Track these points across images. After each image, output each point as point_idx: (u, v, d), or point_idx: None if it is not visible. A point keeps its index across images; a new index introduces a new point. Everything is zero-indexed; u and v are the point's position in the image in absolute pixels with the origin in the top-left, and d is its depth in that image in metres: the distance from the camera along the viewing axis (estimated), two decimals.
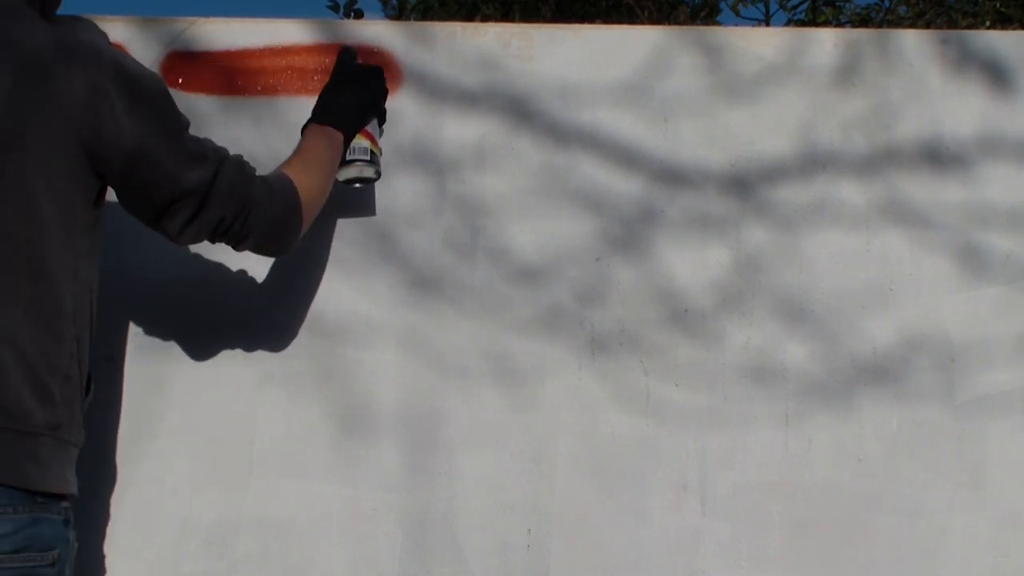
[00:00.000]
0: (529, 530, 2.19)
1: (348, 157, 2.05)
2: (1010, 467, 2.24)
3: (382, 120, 2.13)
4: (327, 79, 2.09)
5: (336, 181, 2.04)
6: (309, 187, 1.93)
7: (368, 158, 2.07)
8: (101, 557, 2.12)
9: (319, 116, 2.03)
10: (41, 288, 1.64)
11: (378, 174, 2.10)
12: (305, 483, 2.17)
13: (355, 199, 2.20)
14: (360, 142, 2.07)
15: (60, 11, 1.78)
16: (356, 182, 2.09)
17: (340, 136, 2.02)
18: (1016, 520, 2.23)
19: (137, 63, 1.78)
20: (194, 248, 2.20)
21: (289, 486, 2.17)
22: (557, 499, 2.20)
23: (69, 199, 1.67)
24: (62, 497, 1.67)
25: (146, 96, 1.73)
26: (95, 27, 1.81)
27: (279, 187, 1.88)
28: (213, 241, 1.85)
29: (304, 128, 2.03)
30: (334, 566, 2.16)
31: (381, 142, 2.12)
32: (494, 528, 2.19)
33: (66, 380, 1.67)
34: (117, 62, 1.71)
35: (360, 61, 2.13)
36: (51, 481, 1.64)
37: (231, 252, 2.19)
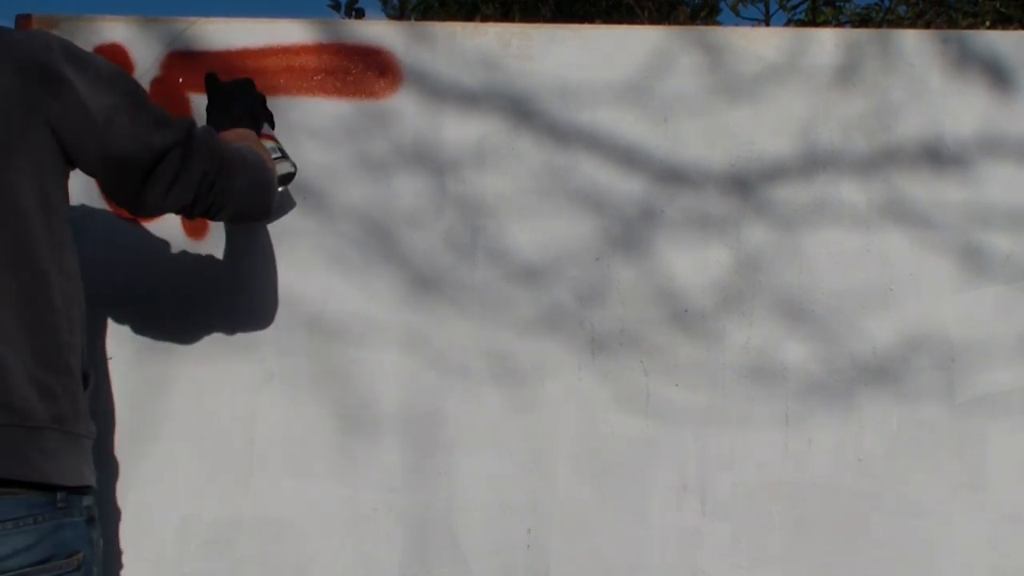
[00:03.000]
0: (529, 530, 2.19)
1: None
2: (1010, 467, 2.24)
3: (272, 123, 2.14)
4: (325, 79, 2.10)
5: None
6: (262, 152, 1.96)
7: (280, 155, 2.09)
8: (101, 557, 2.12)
9: (221, 129, 2.01)
10: (32, 283, 1.64)
11: (295, 167, 2.12)
12: (305, 483, 2.17)
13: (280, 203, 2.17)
14: (266, 143, 2.08)
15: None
16: (279, 183, 2.06)
17: (251, 132, 2.03)
18: (1016, 520, 2.23)
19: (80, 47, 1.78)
20: (195, 246, 2.20)
21: (289, 486, 2.17)
22: (557, 499, 2.20)
23: (46, 189, 1.67)
24: (82, 493, 1.68)
25: (102, 71, 1.73)
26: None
27: (244, 148, 1.89)
28: (194, 209, 1.80)
29: None
30: (334, 566, 2.16)
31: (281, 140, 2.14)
32: (494, 528, 2.19)
33: (66, 373, 1.67)
34: (65, 44, 1.72)
35: (224, 79, 2.14)
36: (66, 475, 1.64)
37: (234, 251, 2.20)
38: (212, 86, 2.12)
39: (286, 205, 2.20)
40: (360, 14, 6.81)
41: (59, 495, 1.63)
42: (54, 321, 1.66)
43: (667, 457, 2.21)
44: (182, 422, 2.16)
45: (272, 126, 2.15)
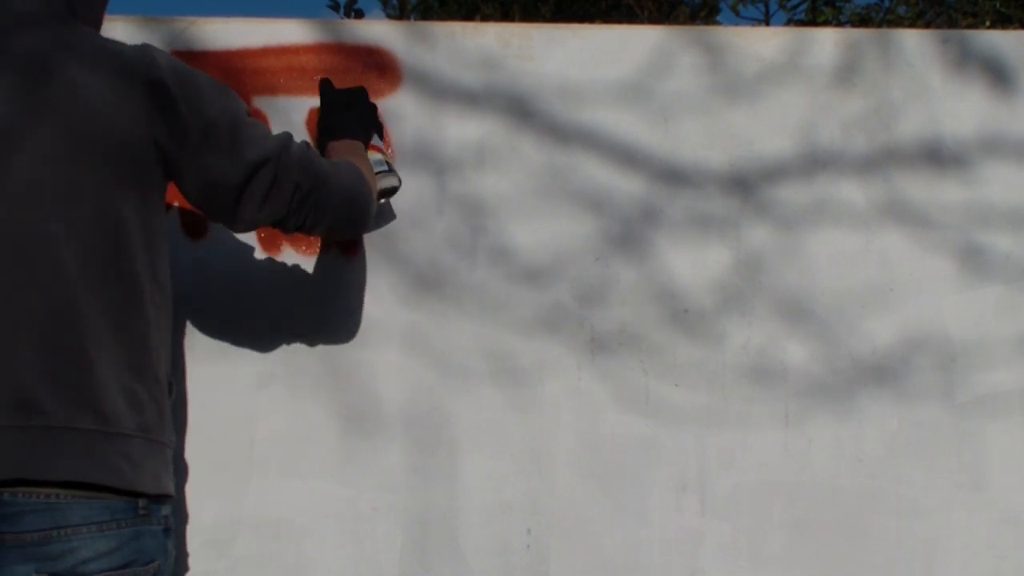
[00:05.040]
0: (529, 530, 2.19)
1: None
2: (1010, 467, 2.24)
3: (381, 134, 2.15)
4: (326, 77, 2.11)
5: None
6: (365, 170, 1.96)
7: (387, 168, 2.09)
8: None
9: (330, 138, 2.05)
10: (127, 293, 1.66)
11: (399, 181, 2.11)
12: (305, 483, 2.17)
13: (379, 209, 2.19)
14: (373, 155, 2.09)
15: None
16: (381, 195, 2.08)
17: (359, 143, 2.05)
18: (1016, 520, 2.23)
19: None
20: (194, 246, 2.19)
21: (289, 486, 2.17)
22: (557, 499, 2.20)
23: (146, 201, 1.69)
24: (161, 501, 1.70)
25: (205, 88, 1.75)
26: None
27: (342, 164, 1.91)
28: (288, 221, 1.83)
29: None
30: (334, 566, 2.16)
31: (390, 151, 2.14)
32: (494, 528, 2.19)
33: (154, 381, 1.70)
34: (170, 59, 1.75)
35: (338, 87, 2.14)
36: (148, 482, 1.67)
37: (234, 251, 2.20)
38: (325, 92, 2.13)
39: (386, 216, 2.20)
40: (360, 14, 6.80)
41: (141, 502, 1.65)
42: (145, 331, 1.68)
43: (667, 457, 2.21)
44: (182, 422, 2.16)
45: (381, 137, 2.15)
